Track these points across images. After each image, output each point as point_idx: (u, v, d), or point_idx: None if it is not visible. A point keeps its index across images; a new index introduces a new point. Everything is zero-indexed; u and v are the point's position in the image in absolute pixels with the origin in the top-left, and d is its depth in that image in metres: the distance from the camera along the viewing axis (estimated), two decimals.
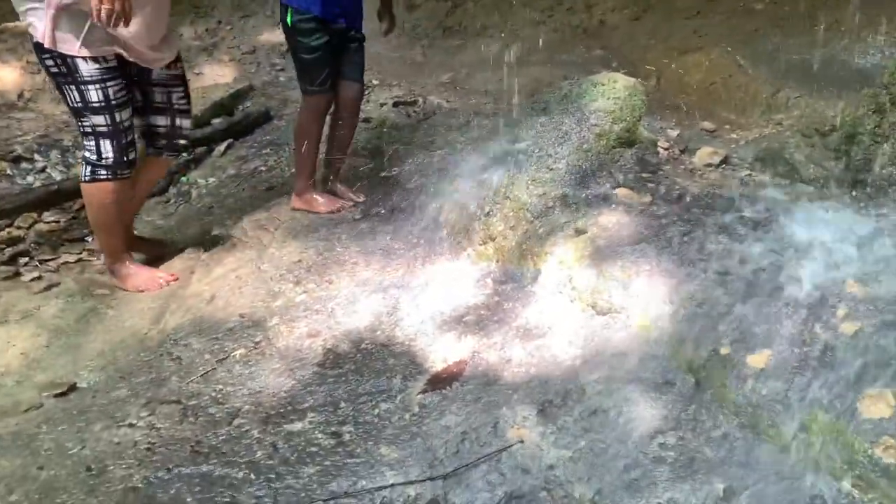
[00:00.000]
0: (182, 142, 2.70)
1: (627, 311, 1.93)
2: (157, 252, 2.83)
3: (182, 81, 2.63)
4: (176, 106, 2.62)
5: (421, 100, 3.87)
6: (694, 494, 1.43)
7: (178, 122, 2.64)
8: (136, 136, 2.51)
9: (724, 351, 1.66)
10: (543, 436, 1.68)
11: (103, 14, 2.12)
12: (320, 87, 2.80)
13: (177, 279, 2.62)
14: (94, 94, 2.33)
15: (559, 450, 1.63)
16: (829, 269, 1.76)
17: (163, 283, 2.60)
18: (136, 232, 2.85)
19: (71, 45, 2.27)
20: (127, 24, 2.17)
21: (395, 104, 3.84)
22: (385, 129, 3.59)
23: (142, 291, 2.58)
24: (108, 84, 2.34)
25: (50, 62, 2.31)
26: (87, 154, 2.42)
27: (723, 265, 1.89)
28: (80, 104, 2.35)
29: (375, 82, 4.24)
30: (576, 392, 1.78)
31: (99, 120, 2.36)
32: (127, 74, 2.43)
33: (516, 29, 5.01)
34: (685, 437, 1.57)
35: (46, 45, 2.27)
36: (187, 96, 2.65)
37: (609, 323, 1.94)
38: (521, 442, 1.67)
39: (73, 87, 2.33)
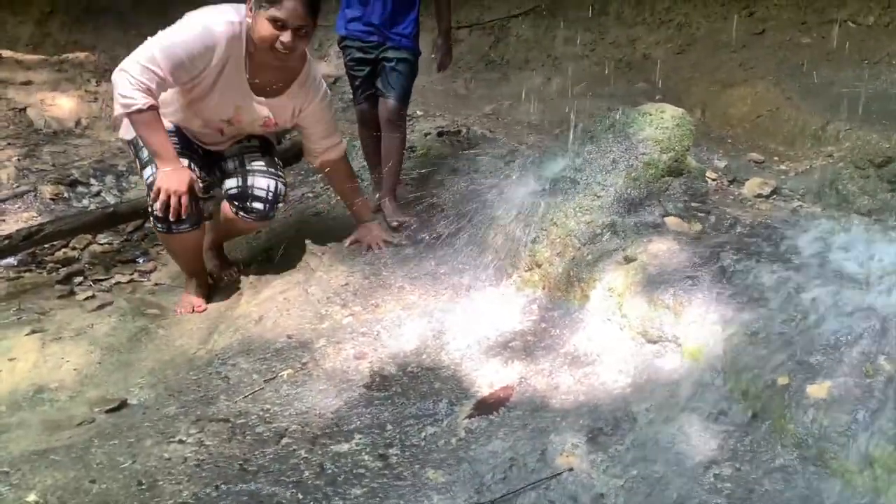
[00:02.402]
0: (258, 205, 2.62)
1: (679, 339, 1.90)
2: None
3: (258, 150, 2.68)
4: (250, 168, 2.66)
5: (464, 130, 3.92)
6: None
7: (250, 181, 2.64)
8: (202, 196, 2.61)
9: (781, 381, 1.62)
10: (594, 464, 1.64)
11: (157, 208, 2.41)
12: (356, 101, 3.04)
13: (203, 310, 2.68)
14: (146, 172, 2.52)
15: (610, 478, 1.60)
16: (890, 299, 1.72)
17: (188, 309, 2.67)
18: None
19: (127, 131, 2.62)
20: (183, 214, 2.43)
21: (440, 134, 3.89)
22: (429, 158, 3.63)
23: (178, 313, 2.67)
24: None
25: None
26: None
27: (779, 294, 1.85)
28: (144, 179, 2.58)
29: (420, 113, 4.31)
30: (627, 420, 1.75)
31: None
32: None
33: (558, 62, 5.06)
34: (742, 468, 1.52)
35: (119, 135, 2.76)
36: (266, 162, 2.66)
37: (660, 351, 1.91)
38: (571, 470, 1.64)
39: (136, 163, 2.65)
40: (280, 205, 2.71)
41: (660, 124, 2.61)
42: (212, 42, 2.38)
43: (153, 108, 2.34)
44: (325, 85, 2.73)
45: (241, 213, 2.64)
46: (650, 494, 1.53)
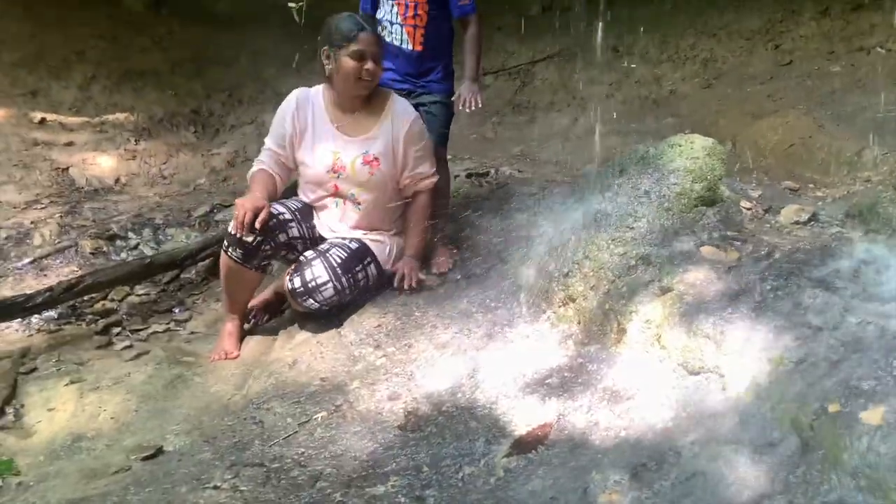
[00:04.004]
0: (312, 303, 2.59)
1: (722, 369, 1.84)
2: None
3: (348, 252, 2.68)
4: (323, 249, 2.69)
5: (493, 171, 3.94)
6: None
7: (313, 261, 2.61)
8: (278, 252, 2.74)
9: (832, 408, 1.55)
10: (638, 501, 1.58)
11: (232, 228, 2.58)
12: None
13: (235, 357, 2.68)
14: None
15: None
16: None
17: (220, 356, 2.69)
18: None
19: None
20: (251, 231, 2.55)
21: (468, 175, 3.92)
22: (459, 199, 3.65)
23: (211, 360, 2.68)
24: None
25: None
26: None
27: (823, 319, 1.79)
28: None
29: (448, 157, 4.34)
30: (671, 455, 1.68)
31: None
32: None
33: (584, 102, 5.09)
34: (795, 501, 1.45)
35: None
36: (342, 260, 2.64)
37: (702, 382, 1.85)
38: None
39: None
40: (311, 302, 2.59)
41: (690, 154, 2.59)
42: (287, 106, 2.78)
43: (261, 171, 2.77)
44: (416, 113, 2.82)
45: (287, 278, 2.65)
46: None
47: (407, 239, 2.84)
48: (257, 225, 2.54)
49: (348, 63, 2.60)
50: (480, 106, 2.94)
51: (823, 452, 1.51)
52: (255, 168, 2.82)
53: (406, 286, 2.69)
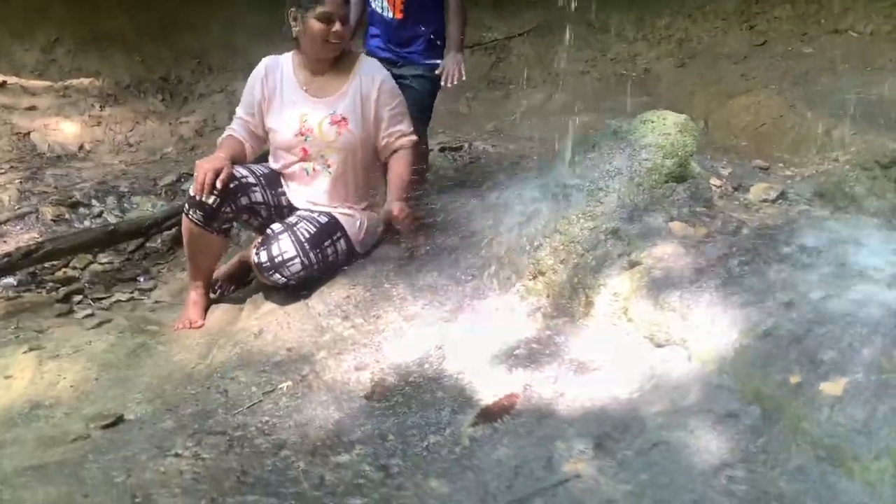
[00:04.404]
0: (279, 277, 2.53)
1: (687, 342, 1.85)
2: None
3: (317, 226, 2.62)
4: (292, 222, 2.62)
5: (467, 145, 3.91)
6: None
7: (280, 234, 2.55)
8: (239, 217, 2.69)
9: (794, 380, 1.57)
10: (602, 470, 1.59)
11: (192, 190, 2.51)
12: None
13: (200, 327, 2.64)
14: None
15: (619, 484, 1.54)
16: None
17: (185, 325, 2.64)
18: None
19: None
20: (210, 193, 2.51)
21: (442, 150, 3.89)
22: (432, 174, 3.61)
23: (175, 328, 2.64)
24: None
25: None
26: None
27: (787, 294, 1.80)
28: None
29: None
30: (635, 425, 1.69)
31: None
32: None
33: (560, 80, 5.07)
34: (756, 470, 1.46)
35: None
36: (310, 235, 2.58)
37: (668, 355, 1.86)
38: (578, 476, 1.59)
39: None
40: (278, 277, 2.53)
41: (662, 130, 2.58)
42: (256, 73, 2.74)
43: (230, 136, 2.74)
44: (387, 72, 2.77)
45: (254, 251, 2.60)
46: (660, 499, 1.47)
47: (391, 183, 2.73)
48: (218, 185, 2.49)
49: (315, 25, 2.57)
50: (464, 79, 2.88)
51: (785, 423, 1.53)
52: (224, 135, 2.77)
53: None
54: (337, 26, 2.58)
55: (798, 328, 1.69)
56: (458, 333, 2.26)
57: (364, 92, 2.71)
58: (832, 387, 1.50)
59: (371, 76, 2.72)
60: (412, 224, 2.66)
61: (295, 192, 2.75)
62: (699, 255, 2.07)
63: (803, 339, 1.65)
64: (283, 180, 2.77)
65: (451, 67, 2.84)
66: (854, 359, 1.54)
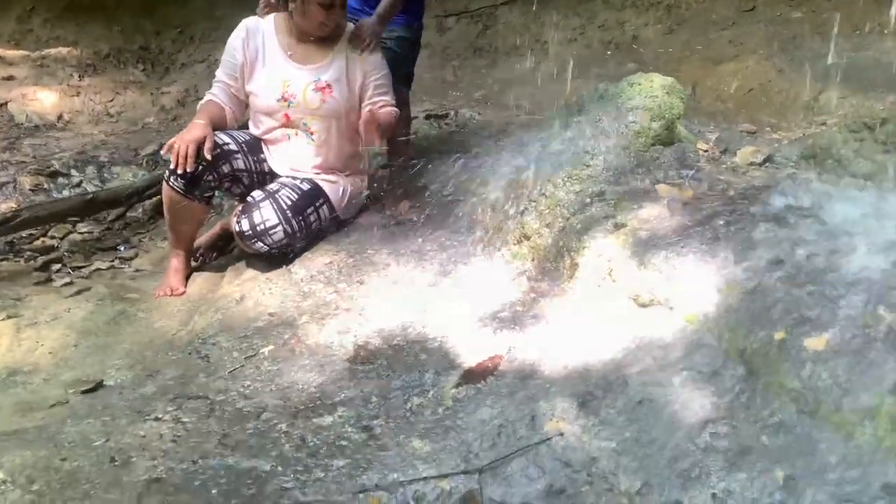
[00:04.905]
0: (261, 246, 2.51)
1: (672, 301, 1.83)
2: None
3: (299, 193, 2.58)
4: (273, 189, 2.58)
5: (452, 113, 3.86)
6: (751, 483, 1.32)
7: (263, 213, 2.51)
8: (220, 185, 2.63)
9: (778, 336, 1.55)
10: (585, 428, 1.58)
11: (170, 157, 2.44)
12: None
13: (181, 294, 2.60)
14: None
15: (602, 441, 1.53)
16: (890, 252, 1.65)
17: (166, 292, 2.60)
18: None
19: None
20: (193, 162, 2.43)
21: (427, 117, 3.83)
22: (417, 141, 3.57)
23: (156, 296, 2.60)
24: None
25: None
26: None
27: (773, 252, 1.79)
28: None
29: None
30: (618, 384, 1.68)
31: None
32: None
33: (547, 47, 5.00)
34: (739, 426, 1.45)
35: None
36: (293, 202, 2.55)
37: (652, 315, 1.84)
38: (561, 434, 1.58)
39: None
40: (261, 245, 2.51)
41: (649, 93, 2.55)
42: (237, 34, 2.67)
43: (210, 101, 2.66)
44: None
45: (235, 219, 2.56)
46: (644, 456, 1.47)
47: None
48: (206, 155, 2.44)
49: (315, 10, 2.53)
50: (370, 54, 2.68)
51: (767, 379, 1.52)
52: (204, 100, 2.70)
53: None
54: (337, 12, 2.56)
55: (783, 286, 1.68)
56: (442, 298, 2.24)
57: (349, 61, 2.66)
58: (816, 342, 1.48)
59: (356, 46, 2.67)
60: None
61: (276, 159, 2.71)
62: (685, 216, 2.05)
63: (787, 297, 1.64)
64: (263, 146, 2.72)
65: (365, 35, 2.67)
66: (838, 315, 1.52)
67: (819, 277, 1.65)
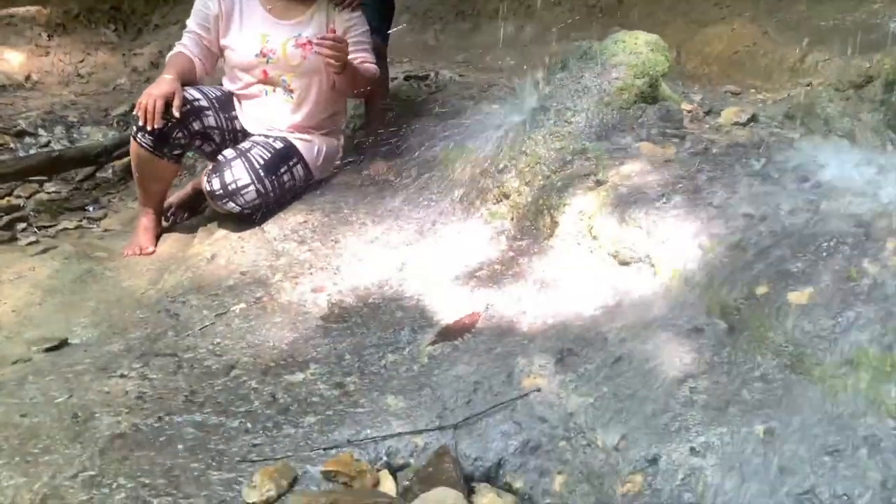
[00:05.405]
0: (233, 206, 2.42)
1: (652, 258, 1.79)
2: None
3: (272, 151, 2.50)
4: (245, 147, 2.49)
5: (433, 74, 3.77)
6: (731, 437, 1.30)
7: (235, 173, 2.42)
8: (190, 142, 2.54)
9: (760, 291, 1.52)
10: (562, 384, 1.54)
11: (139, 113, 2.34)
12: None
13: (151, 253, 2.52)
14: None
15: (580, 397, 1.50)
16: (874, 206, 1.62)
17: (135, 251, 2.53)
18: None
19: None
20: (162, 118, 2.35)
21: (407, 78, 3.74)
22: (397, 101, 3.48)
23: (125, 255, 2.53)
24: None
25: None
26: None
27: (755, 208, 1.75)
28: None
29: (389, 58, 4.13)
30: (597, 341, 1.64)
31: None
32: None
33: (531, 11, 4.90)
34: (719, 380, 1.43)
35: None
36: (265, 161, 2.47)
37: (633, 271, 1.81)
38: (538, 390, 1.54)
39: None
40: (232, 206, 2.42)
41: (633, 49, 2.49)
42: None
43: (180, 53, 2.55)
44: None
45: (205, 178, 2.47)
46: (622, 410, 1.43)
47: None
48: (175, 113, 2.35)
49: None
50: (351, 11, 2.60)
51: (749, 333, 1.49)
52: (173, 51, 2.59)
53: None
54: None
55: (765, 241, 1.64)
56: (419, 257, 2.19)
57: (329, 17, 2.57)
58: (798, 296, 1.46)
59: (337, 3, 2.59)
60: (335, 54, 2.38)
61: (250, 117, 2.62)
62: (667, 172, 2.01)
63: (770, 252, 1.61)
64: (236, 103, 2.63)
65: None
66: (821, 269, 1.49)
67: (802, 232, 1.62)
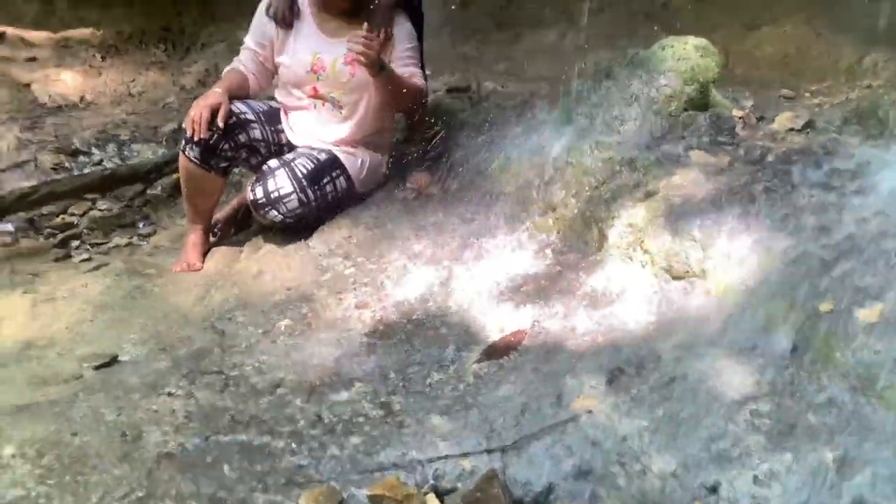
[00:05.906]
0: (275, 214, 2.43)
1: (708, 273, 1.73)
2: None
3: (316, 162, 2.51)
4: (289, 158, 2.51)
5: (475, 85, 3.74)
6: (798, 465, 1.22)
7: (277, 170, 2.44)
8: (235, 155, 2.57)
9: (825, 308, 1.44)
10: (615, 406, 1.49)
11: (186, 124, 2.41)
12: None
13: (199, 269, 2.54)
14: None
15: (633, 420, 1.44)
16: None
17: (183, 268, 2.55)
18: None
19: None
20: (208, 129, 2.39)
21: (449, 90, 3.72)
22: (438, 114, 3.47)
23: (173, 271, 2.55)
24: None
25: None
26: None
27: (818, 219, 1.67)
28: None
29: (427, 72, 4.13)
30: (650, 360, 1.58)
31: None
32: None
33: (573, 19, 4.84)
34: (783, 403, 1.35)
35: None
36: (309, 170, 2.47)
37: (687, 287, 1.75)
38: (589, 413, 1.49)
39: None
40: (275, 214, 2.42)
41: (682, 55, 2.42)
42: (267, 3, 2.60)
43: (233, 69, 2.62)
44: (404, 13, 2.63)
45: (249, 188, 2.49)
46: (678, 435, 1.37)
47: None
48: (219, 122, 2.38)
49: None
50: (399, 26, 2.58)
51: (813, 353, 1.41)
52: (228, 66, 2.65)
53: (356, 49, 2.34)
54: None
55: (829, 254, 1.56)
56: (463, 271, 2.16)
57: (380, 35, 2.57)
58: (868, 314, 1.37)
59: (393, 19, 2.58)
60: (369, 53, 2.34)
61: (297, 129, 2.63)
62: (721, 182, 1.94)
63: (835, 266, 1.52)
64: (283, 117, 2.65)
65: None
66: (892, 283, 1.41)
67: (870, 244, 1.54)
